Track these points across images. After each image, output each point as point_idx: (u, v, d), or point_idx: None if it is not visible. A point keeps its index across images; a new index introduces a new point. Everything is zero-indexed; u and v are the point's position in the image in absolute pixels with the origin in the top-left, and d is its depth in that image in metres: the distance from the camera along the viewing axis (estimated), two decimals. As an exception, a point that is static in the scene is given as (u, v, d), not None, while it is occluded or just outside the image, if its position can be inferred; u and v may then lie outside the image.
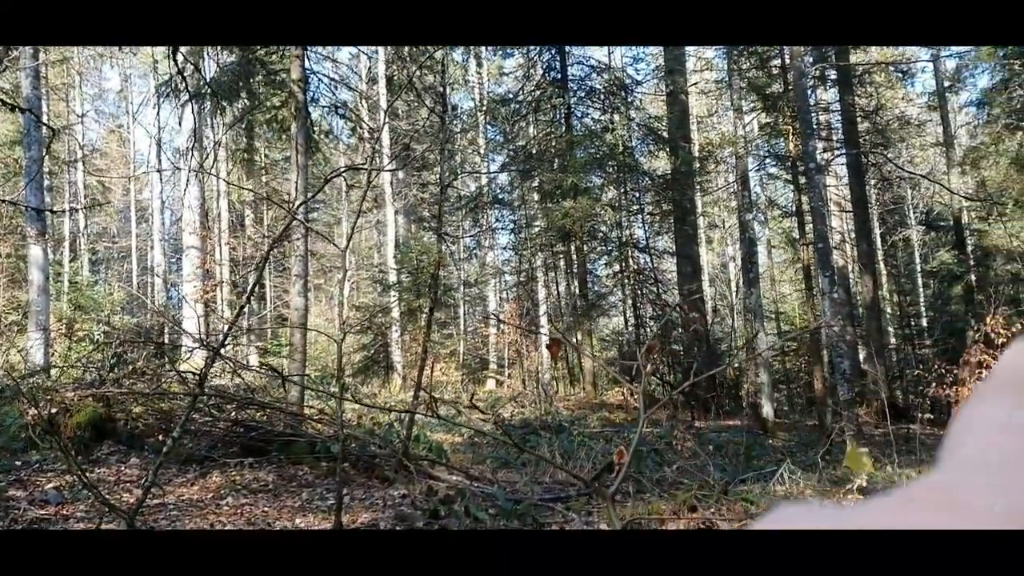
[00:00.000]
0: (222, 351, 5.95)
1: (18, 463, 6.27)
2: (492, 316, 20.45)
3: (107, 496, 5.13)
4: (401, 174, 20.84)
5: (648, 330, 17.73)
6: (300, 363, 8.91)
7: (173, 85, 12.12)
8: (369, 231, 26.27)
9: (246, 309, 18.14)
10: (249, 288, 8.08)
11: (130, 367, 8.95)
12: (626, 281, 18.19)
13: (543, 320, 19.45)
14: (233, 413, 8.09)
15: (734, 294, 25.89)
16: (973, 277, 17.45)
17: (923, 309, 23.25)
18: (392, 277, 18.38)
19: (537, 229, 18.86)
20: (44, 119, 15.50)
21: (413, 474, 6.96)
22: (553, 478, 8.01)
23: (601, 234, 18.06)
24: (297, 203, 7.09)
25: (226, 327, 8.77)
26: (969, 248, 18.15)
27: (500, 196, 20.62)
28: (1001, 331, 7.65)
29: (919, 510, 0.25)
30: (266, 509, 6.00)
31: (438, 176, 16.88)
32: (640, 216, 19.05)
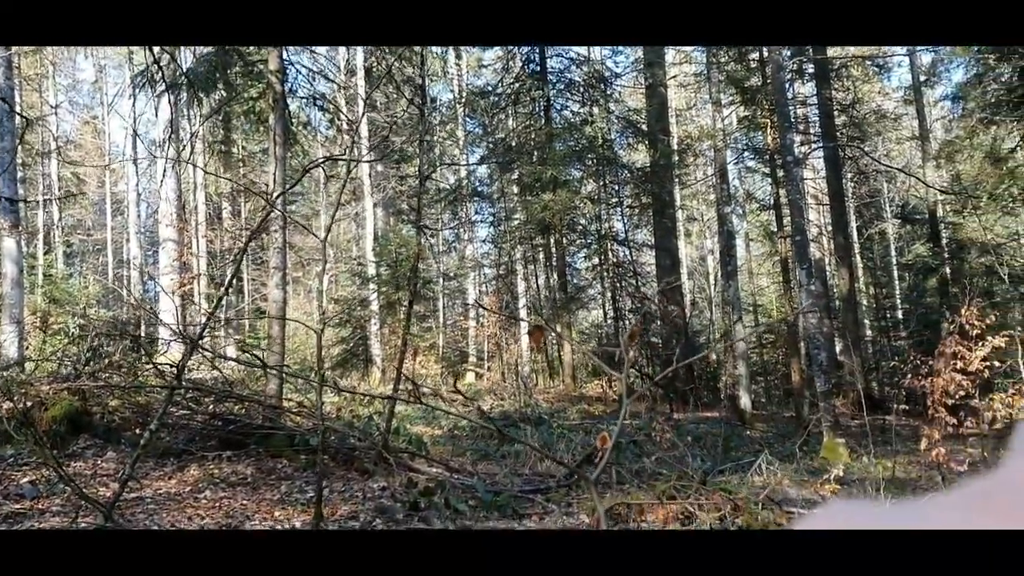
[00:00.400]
0: (200, 343, 5.91)
1: (-8, 457, 6.20)
2: (475, 303, 20.42)
3: (84, 490, 5.09)
4: (380, 167, 20.76)
5: (627, 323, 17.80)
6: (279, 355, 8.86)
7: (149, 75, 11.99)
8: (348, 224, 26.17)
9: (224, 302, 18.02)
10: (227, 280, 8.02)
11: (106, 360, 8.87)
12: (605, 274, 18.26)
13: (523, 313, 19.47)
14: (211, 406, 8.05)
15: (712, 287, 26.04)
16: (948, 270, 17.64)
17: (899, 301, 23.48)
18: (371, 270, 18.32)
19: (516, 222, 18.87)
20: (17, 109, 15.28)
21: (393, 466, 6.95)
22: (533, 470, 8.03)
23: (580, 227, 18.10)
24: (276, 194, 7.04)
25: (204, 319, 8.70)
26: (944, 241, 18.34)
27: (479, 189, 20.60)
28: (975, 323, 7.73)
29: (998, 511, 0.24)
30: (245, 502, 5.98)
31: (417, 168, 16.85)
32: (619, 209, 19.11)
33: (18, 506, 5.32)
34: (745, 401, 14.88)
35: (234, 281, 19.25)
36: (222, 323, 17.91)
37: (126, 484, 4.91)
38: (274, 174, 8.92)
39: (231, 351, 17.08)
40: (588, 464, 7.73)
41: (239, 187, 20.81)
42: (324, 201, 24.04)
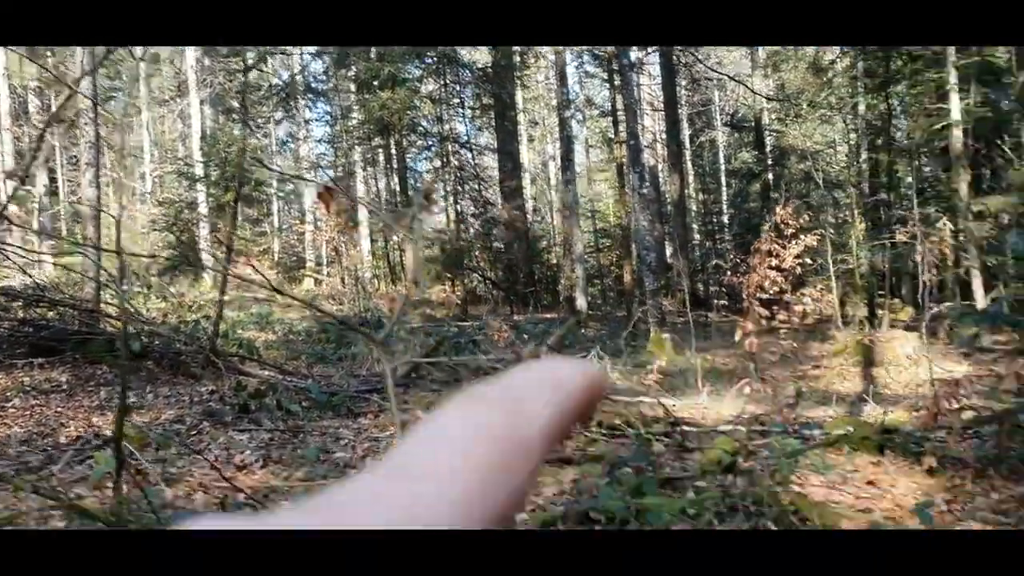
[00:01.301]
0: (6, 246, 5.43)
1: None
2: (319, 191, 19.69)
3: None
4: (207, 60, 19.46)
5: (470, 228, 17.84)
6: (95, 256, 8.30)
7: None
8: (173, 121, 24.59)
9: (35, 205, 16.65)
10: (24, 169, 7.32)
11: None
12: (447, 177, 18.10)
13: (362, 216, 19.11)
14: (20, 312, 7.48)
15: (553, 192, 26.43)
16: (770, 175, 18.61)
17: (725, 206, 24.66)
18: (198, 170, 17.37)
19: (354, 121, 18.29)
20: None
21: (222, 370, 6.74)
22: (369, 371, 8.01)
23: (421, 129, 17.77)
24: (79, 77, 6.44)
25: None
26: (768, 148, 19.27)
27: (314, 85, 19.75)
28: (790, 222, 8.23)
29: (348, 512, 0.25)
30: (59, 409, 5.64)
31: (244, 62, 15.90)
32: (461, 111, 18.88)
33: None
34: (581, 302, 15.37)
35: (36, 175, 17.78)
36: (32, 226, 16.56)
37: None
38: (81, 61, 8.16)
39: (46, 259, 15.86)
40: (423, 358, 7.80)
41: (46, 79, 19.00)
42: (147, 98, 22.39)
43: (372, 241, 20.04)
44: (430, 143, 18.05)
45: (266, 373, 7.22)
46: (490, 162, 20.44)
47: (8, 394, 5.93)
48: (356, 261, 18.20)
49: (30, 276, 8.73)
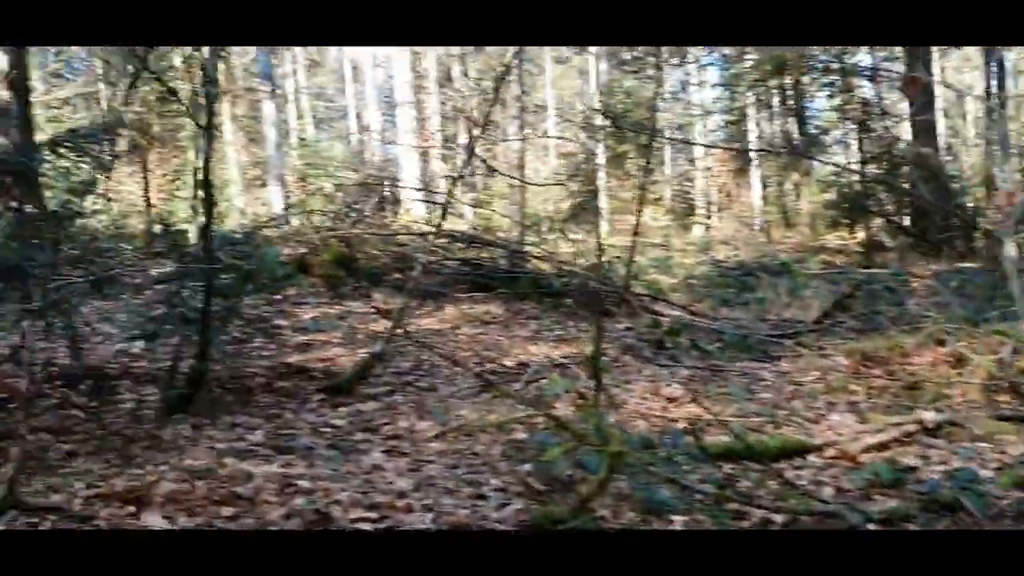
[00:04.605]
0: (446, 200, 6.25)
1: (278, 296, 6.87)
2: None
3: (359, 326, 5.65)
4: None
5: (872, 168, 16.58)
6: (517, 207, 9.15)
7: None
8: (571, 79, 25.91)
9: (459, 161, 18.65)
10: (465, 158, 8.16)
11: (360, 215, 9.55)
12: (850, 114, 16.92)
13: (754, 160, 18.61)
14: (460, 252, 8.49)
15: (971, 127, 23.55)
16: None
17: None
18: (598, 122, 18.15)
19: (750, 63, 17.73)
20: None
21: (635, 308, 7.06)
22: (779, 315, 7.85)
23: (822, 64, 16.67)
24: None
25: (451, 178, 9.09)
26: None
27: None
28: None
29: None
30: (498, 338, 6.32)
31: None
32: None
33: (304, 338, 5.94)
34: (1010, 249, 13.56)
35: (471, 156, 19.71)
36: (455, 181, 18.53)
37: (400, 319, 5.33)
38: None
39: (467, 211, 17.77)
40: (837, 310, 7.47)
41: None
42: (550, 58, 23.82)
43: (764, 187, 19.52)
44: (832, 79, 16.88)
45: (675, 313, 7.42)
46: (896, 96, 18.65)
47: (458, 323, 6.78)
48: (748, 205, 17.87)
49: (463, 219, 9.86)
